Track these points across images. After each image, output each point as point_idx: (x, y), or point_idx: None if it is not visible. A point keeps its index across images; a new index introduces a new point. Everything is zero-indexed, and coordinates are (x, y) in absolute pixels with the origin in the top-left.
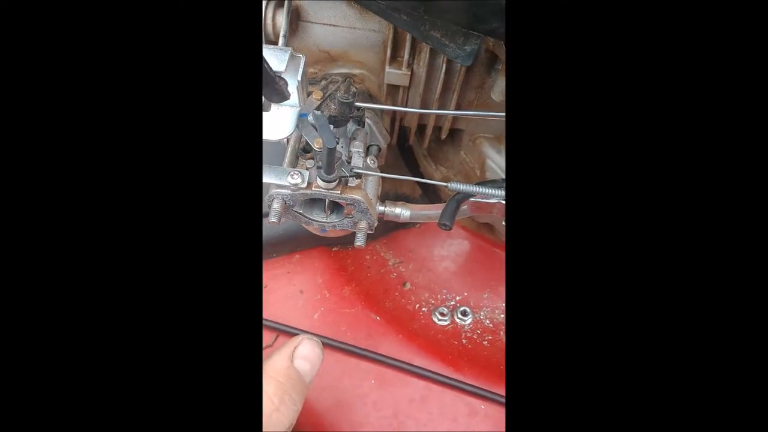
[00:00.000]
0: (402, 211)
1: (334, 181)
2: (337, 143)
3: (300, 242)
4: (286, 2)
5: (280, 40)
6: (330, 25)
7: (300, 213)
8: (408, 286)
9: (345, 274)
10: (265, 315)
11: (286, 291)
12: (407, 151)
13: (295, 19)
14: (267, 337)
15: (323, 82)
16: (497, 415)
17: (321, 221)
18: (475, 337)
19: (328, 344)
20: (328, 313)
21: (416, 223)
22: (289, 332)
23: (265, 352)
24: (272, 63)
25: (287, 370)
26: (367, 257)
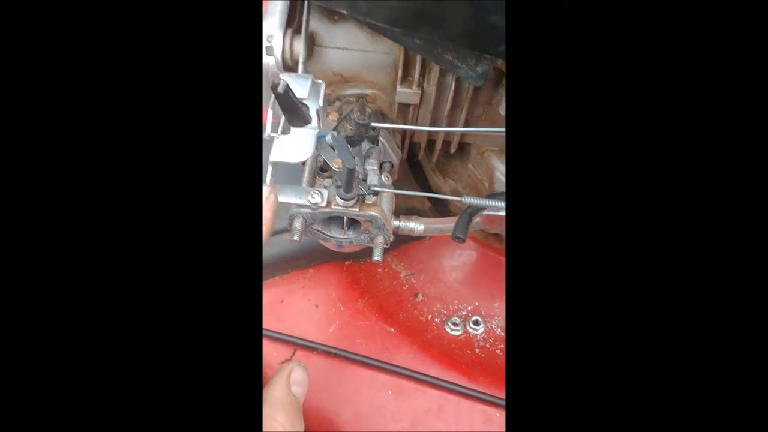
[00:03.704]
0: (416, 226)
1: (353, 199)
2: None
3: (314, 257)
4: (303, 31)
5: (300, 67)
6: (343, 48)
7: (318, 230)
8: (420, 297)
9: (358, 287)
10: (282, 329)
11: (302, 305)
12: (416, 165)
13: (311, 44)
14: (285, 351)
15: (337, 104)
16: None
17: (339, 237)
18: (487, 346)
19: (345, 357)
20: (343, 326)
21: (426, 236)
22: (307, 346)
23: (282, 366)
24: (296, 90)
25: (289, 397)
26: (379, 270)
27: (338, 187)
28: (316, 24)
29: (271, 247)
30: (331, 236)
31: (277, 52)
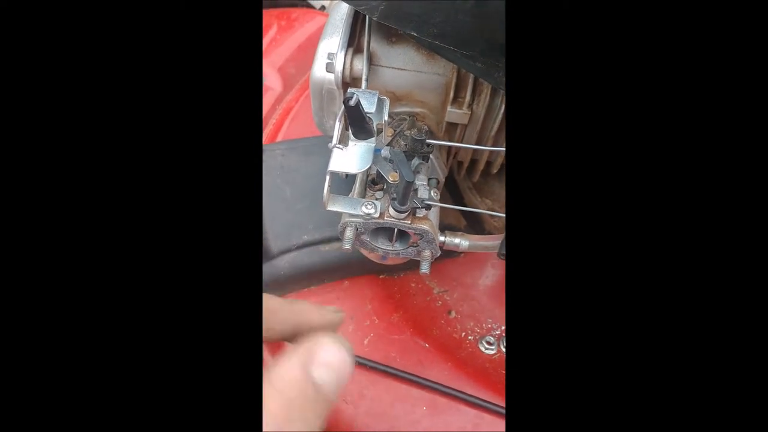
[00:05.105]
0: (461, 242)
1: (406, 212)
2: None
3: (348, 270)
4: (365, 51)
5: (363, 84)
6: (398, 69)
7: (367, 240)
8: (453, 314)
9: (393, 301)
10: None
11: None
12: (451, 182)
13: (368, 63)
14: None
15: (388, 119)
16: None
17: (386, 249)
18: None
19: (381, 370)
20: (378, 339)
21: (460, 252)
22: None
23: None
24: (364, 105)
25: (300, 383)
26: (413, 285)
27: (393, 199)
28: (375, 45)
29: (308, 257)
30: (378, 247)
31: (338, 68)
